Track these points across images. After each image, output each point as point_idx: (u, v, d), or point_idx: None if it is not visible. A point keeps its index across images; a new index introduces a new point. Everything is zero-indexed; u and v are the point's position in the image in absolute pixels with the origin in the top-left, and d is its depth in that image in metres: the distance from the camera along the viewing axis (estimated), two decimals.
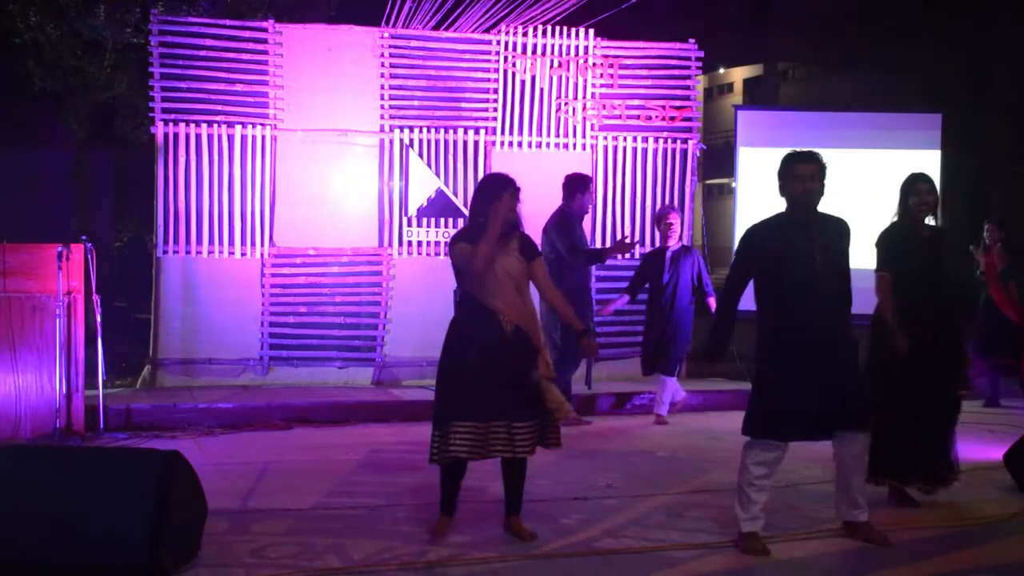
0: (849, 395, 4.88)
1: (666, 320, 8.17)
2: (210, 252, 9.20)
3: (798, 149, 5.06)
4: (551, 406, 4.95)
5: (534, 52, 9.81)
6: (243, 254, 9.28)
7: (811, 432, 4.93)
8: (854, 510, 5.05)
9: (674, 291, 8.16)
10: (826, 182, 4.97)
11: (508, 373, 4.90)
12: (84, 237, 7.59)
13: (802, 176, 4.92)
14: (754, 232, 5.04)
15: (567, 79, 9.86)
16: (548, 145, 9.82)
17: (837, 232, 4.98)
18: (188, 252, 9.16)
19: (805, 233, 4.89)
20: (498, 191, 5.02)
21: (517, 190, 5.08)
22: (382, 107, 9.54)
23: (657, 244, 8.69)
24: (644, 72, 10.04)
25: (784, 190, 4.99)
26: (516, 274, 5.03)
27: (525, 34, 9.78)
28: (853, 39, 22.40)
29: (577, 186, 8.10)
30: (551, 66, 9.83)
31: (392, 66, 9.56)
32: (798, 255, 4.86)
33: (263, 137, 9.31)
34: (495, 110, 9.75)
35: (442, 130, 9.64)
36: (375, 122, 9.54)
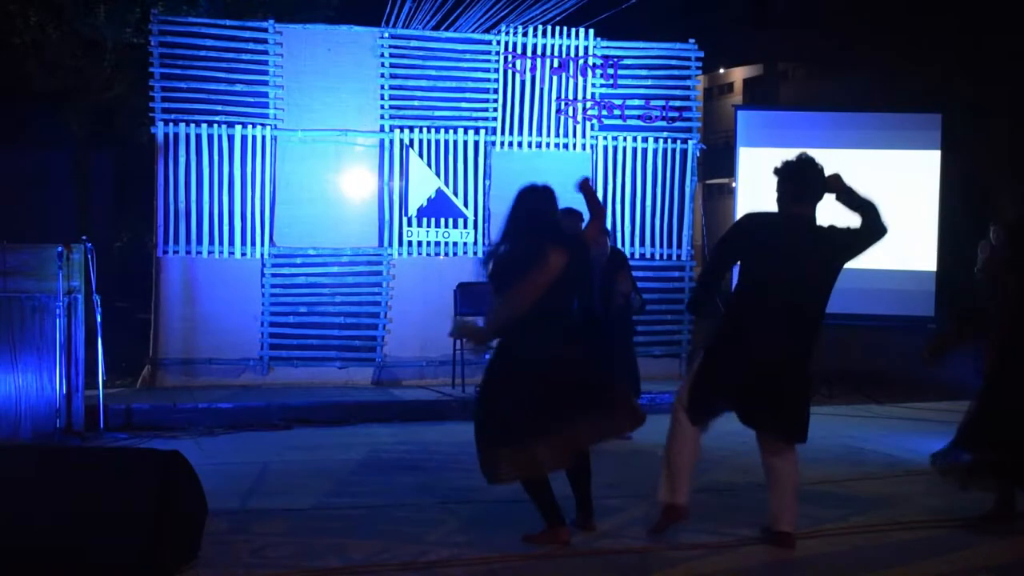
0: (788, 403, 4.79)
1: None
2: (210, 252, 9.20)
3: (792, 159, 4.88)
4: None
5: (534, 52, 9.81)
6: (243, 254, 9.28)
7: (726, 409, 4.88)
8: (779, 518, 4.90)
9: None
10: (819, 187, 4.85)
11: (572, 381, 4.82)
12: (84, 237, 7.59)
13: (778, 191, 4.85)
14: (747, 222, 4.98)
15: (567, 79, 9.86)
16: (548, 145, 9.82)
17: (829, 248, 4.79)
18: (188, 252, 9.16)
19: (792, 242, 4.76)
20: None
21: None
22: (382, 107, 9.54)
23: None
24: (644, 72, 10.04)
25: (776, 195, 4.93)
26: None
27: (525, 34, 9.78)
28: (853, 39, 22.36)
29: None
30: (551, 66, 9.83)
31: (392, 66, 9.56)
32: (778, 261, 4.74)
33: (263, 137, 9.31)
34: (495, 110, 9.75)
35: (442, 130, 9.64)
36: (375, 122, 9.54)
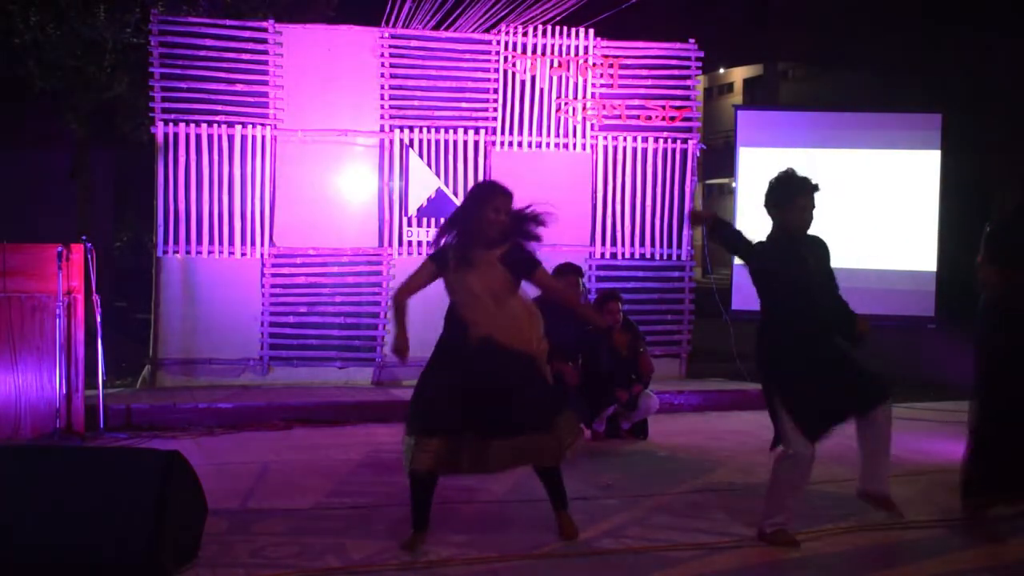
0: (860, 378, 5.07)
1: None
2: (210, 252, 9.20)
3: (792, 175, 5.04)
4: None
5: (534, 52, 9.81)
6: (243, 254, 9.28)
7: (838, 422, 5.07)
8: (875, 481, 5.19)
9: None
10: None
11: (479, 385, 4.84)
12: (84, 237, 7.59)
13: (803, 207, 4.99)
14: (762, 251, 5.10)
15: (567, 79, 9.86)
16: (548, 145, 9.82)
17: (823, 250, 5.12)
18: (188, 252, 9.15)
19: (802, 252, 5.01)
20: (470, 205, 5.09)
21: (500, 198, 4.99)
22: (382, 107, 9.54)
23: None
24: (644, 72, 10.04)
25: (780, 215, 5.02)
26: (494, 286, 4.97)
27: (525, 34, 9.78)
28: (853, 39, 22.37)
29: None
30: (551, 66, 9.83)
31: (392, 66, 9.56)
32: (798, 272, 4.97)
33: (263, 137, 9.31)
34: (495, 110, 9.75)
35: (442, 130, 9.64)
36: (375, 122, 9.54)
